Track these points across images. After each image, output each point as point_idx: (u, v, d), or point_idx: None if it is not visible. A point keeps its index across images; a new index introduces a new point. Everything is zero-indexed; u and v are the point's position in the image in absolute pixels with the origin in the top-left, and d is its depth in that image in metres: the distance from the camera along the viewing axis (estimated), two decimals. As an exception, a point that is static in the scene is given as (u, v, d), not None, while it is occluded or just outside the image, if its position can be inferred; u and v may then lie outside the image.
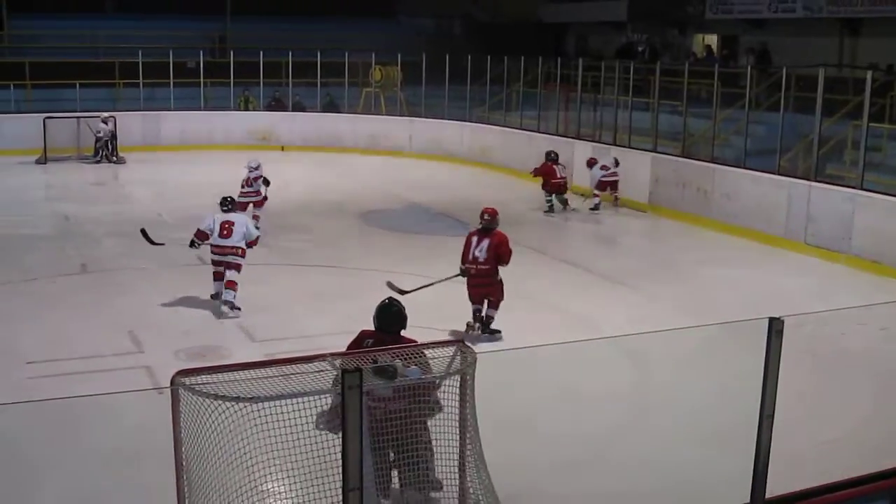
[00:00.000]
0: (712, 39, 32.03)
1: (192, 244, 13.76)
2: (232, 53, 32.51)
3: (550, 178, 20.96)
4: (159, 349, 11.31)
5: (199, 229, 13.66)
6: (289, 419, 5.86)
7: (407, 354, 6.33)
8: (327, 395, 6.02)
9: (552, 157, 21.36)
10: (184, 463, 6.08)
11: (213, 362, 10.04)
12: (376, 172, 26.29)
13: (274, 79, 32.32)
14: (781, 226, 17.85)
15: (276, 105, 32.82)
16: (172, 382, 5.92)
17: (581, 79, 25.21)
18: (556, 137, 25.20)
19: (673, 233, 19.64)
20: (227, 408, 5.77)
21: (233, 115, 31.70)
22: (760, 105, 21.78)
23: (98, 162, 27.78)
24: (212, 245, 13.47)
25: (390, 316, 7.46)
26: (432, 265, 15.35)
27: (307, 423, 5.92)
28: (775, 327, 5.12)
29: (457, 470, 6.50)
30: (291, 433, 5.90)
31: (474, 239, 12.36)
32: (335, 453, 5.96)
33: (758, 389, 5.27)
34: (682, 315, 12.87)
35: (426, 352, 6.45)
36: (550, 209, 21.00)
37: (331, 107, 32.48)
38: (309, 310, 13.10)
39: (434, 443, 6.62)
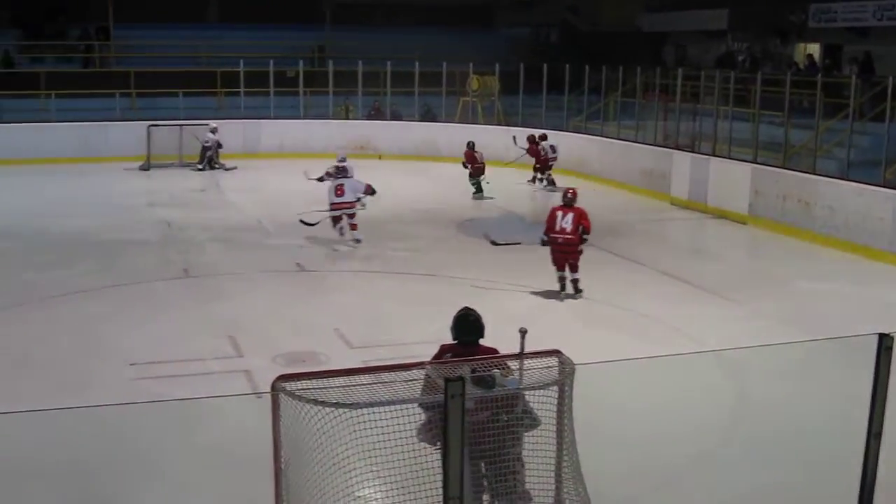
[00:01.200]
0: (814, 48, 31.40)
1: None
2: (331, 63, 32.83)
3: (472, 163, 23.69)
4: (258, 354, 11.43)
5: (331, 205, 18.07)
6: (386, 426, 5.87)
7: (493, 364, 6.30)
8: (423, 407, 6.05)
9: (470, 145, 24.66)
10: (282, 466, 6.15)
11: (310, 368, 10.14)
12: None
13: (372, 88, 32.56)
14: (887, 239, 17.42)
15: (375, 114, 33.06)
16: (273, 387, 5.98)
17: (680, 88, 24.95)
18: (654, 147, 24.99)
19: (773, 245, 19.28)
20: (326, 413, 5.81)
21: (331, 123, 31.97)
22: (864, 115, 21.30)
23: (202, 170, 28.24)
24: (331, 203, 17.98)
25: (469, 325, 7.37)
26: (528, 273, 15.38)
27: (404, 430, 5.94)
28: (885, 344, 4.99)
29: (553, 482, 6.44)
30: (389, 440, 5.91)
31: (559, 213, 14.35)
32: (432, 462, 5.99)
33: (865, 407, 5.15)
34: (784, 329, 12.62)
35: (525, 362, 6.41)
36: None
37: (428, 116, 32.62)
38: (406, 318, 13.13)
39: (530, 454, 6.57)
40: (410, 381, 6.13)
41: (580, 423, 6.44)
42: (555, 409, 6.34)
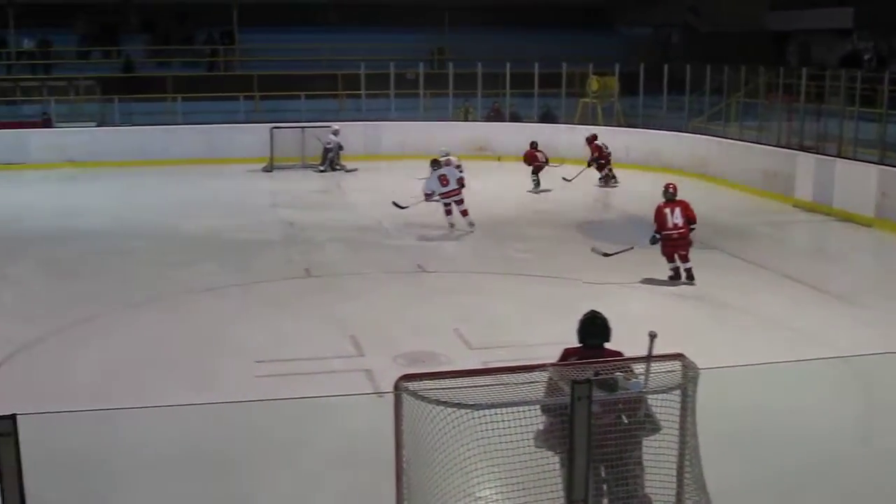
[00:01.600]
0: (945, 46, 30.53)
1: (426, 198, 19.54)
2: (451, 65, 32.99)
3: (534, 162, 24.58)
4: (379, 353, 11.55)
5: (425, 193, 19.56)
6: (508, 428, 5.88)
7: (619, 367, 6.27)
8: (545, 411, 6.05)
9: (533, 145, 25.75)
10: (404, 465, 6.21)
11: (431, 368, 10.22)
12: (593, 183, 26.14)
13: (491, 90, 32.61)
14: None
15: (495, 116, 33.10)
16: (396, 387, 6.04)
17: (804, 88, 24.43)
18: (777, 149, 24.50)
19: (903, 248, 18.79)
20: (448, 413, 5.85)
21: (451, 125, 32.11)
22: None
23: (324, 171, 28.64)
24: (440, 194, 19.25)
25: (595, 328, 7.32)
26: (649, 275, 15.25)
27: (526, 432, 5.94)
28: None
29: (674, 489, 6.38)
30: (510, 441, 5.92)
31: (667, 210, 15.10)
32: (553, 464, 5.99)
33: None
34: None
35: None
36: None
37: (547, 117, 32.54)
38: (526, 319, 13.12)
39: (651, 458, 6.51)
40: (532, 382, 6.14)
41: (703, 429, 6.36)
42: (678, 413, 6.28)
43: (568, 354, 7.16)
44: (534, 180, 25.31)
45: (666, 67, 29.09)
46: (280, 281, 15.64)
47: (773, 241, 19.47)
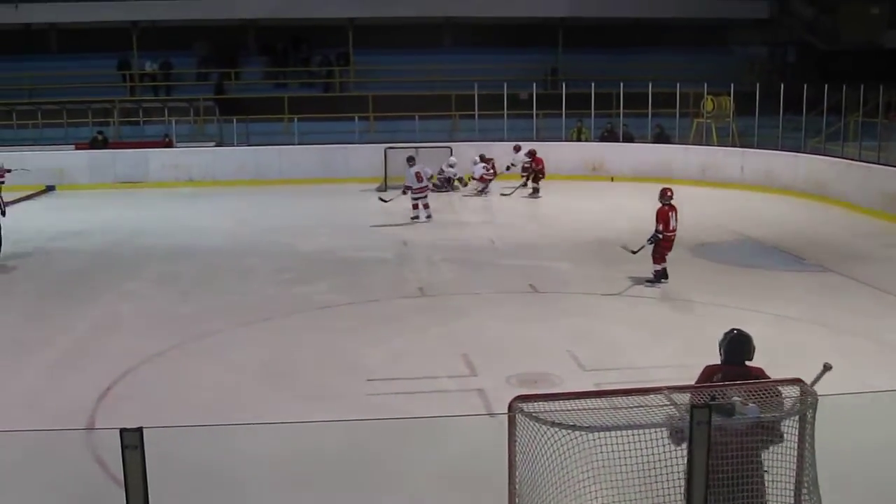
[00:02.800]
0: None
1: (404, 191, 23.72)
2: (564, 85, 32.95)
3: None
4: (491, 373, 11.57)
5: (407, 185, 23.62)
6: (622, 451, 5.86)
7: (751, 391, 6.18)
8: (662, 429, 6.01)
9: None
10: (516, 486, 6.22)
11: (543, 389, 10.23)
12: (707, 204, 25.85)
13: (604, 110, 32.48)
14: None
15: (608, 136, 32.93)
16: (510, 408, 6.06)
17: (926, 107, 23.80)
18: (897, 169, 23.92)
19: None
20: (563, 435, 5.85)
21: (564, 145, 32.07)
22: None
23: (441, 190, 28.85)
24: (414, 189, 23.33)
25: (737, 345, 7.25)
26: (765, 299, 15.02)
27: (640, 455, 5.91)
28: None
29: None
30: (624, 465, 5.90)
31: (671, 214, 16.02)
32: (668, 487, 5.95)
33: None
34: None
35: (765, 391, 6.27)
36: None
37: (661, 137, 32.25)
38: (639, 341, 13.01)
39: (770, 488, 6.39)
40: (647, 407, 6.09)
41: (822, 458, 6.25)
42: (795, 440, 6.18)
43: (711, 372, 7.09)
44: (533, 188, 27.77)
45: (782, 87, 28.63)
46: (394, 300, 15.78)
47: (894, 265, 18.95)
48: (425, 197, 23.88)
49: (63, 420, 9.96)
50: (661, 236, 16.00)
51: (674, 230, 16.13)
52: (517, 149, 29.26)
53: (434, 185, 27.40)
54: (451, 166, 29.10)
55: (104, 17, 36.61)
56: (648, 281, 16.20)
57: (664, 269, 16.32)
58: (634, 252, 16.17)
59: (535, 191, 28.03)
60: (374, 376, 11.60)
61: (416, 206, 23.77)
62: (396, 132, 32.41)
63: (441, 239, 21.22)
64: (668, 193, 16.28)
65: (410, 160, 24.37)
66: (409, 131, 32.16)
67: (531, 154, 28.45)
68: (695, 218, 23.54)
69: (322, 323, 14.40)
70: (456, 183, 29.28)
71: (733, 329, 7.32)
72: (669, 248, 16.31)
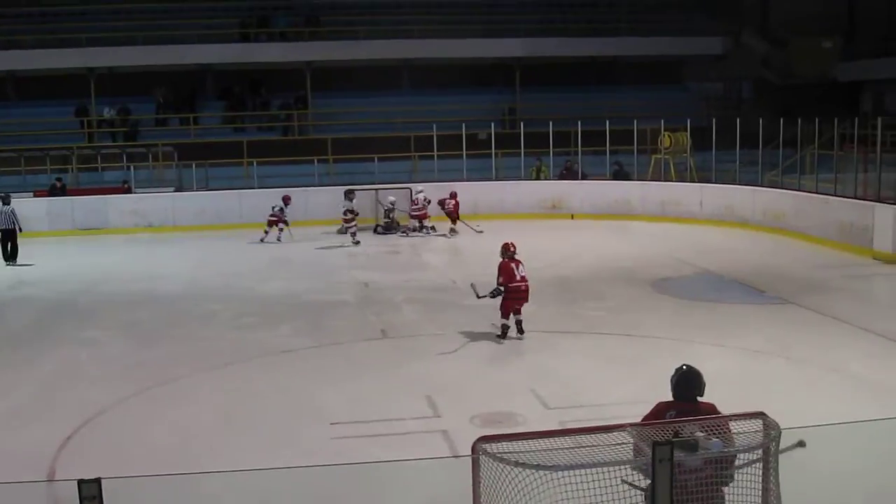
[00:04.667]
0: None
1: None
2: (522, 124, 33.14)
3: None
4: (455, 414, 11.54)
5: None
6: (586, 489, 5.87)
7: (708, 426, 6.20)
8: (625, 466, 6.01)
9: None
10: (482, 527, 6.19)
11: (507, 429, 10.21)
12: (667, 239, 26.03)
13: (563, 148, 32.66)
14: None
15: (567, 174, 33.08)
16: (474, 449, 6.04)
17: (880, 138, 24.09)
18: (854, 201, 24.14)
19: None
20: (528, 475, 5.84)
21: (523, 184, 32.25)
22: None
23: (385, 233, 28.92)
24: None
25: (688, 381, 7.27)
26: (727, 333, 15.10)
27: (604, 492, 5.92)
28: None
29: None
30: (589, 502, 5.90)
31: (513, 266, 15.37)
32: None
33: None
34: None
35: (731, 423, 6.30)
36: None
37: (620, 174, 32.48)
38: (602, 378, 13.06)
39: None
40: (612, 445, 6.09)
41: (786, 490, 6.26)
42: (759, 474, 6.20)
43: (662, 409, 7.09)
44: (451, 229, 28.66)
45: (738, 121, 28.93)
46: (356, 342, 15.73)
47: (853, 296, 19.08)
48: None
49: (23, 470, 9.81)
50: (503, 290, 15.30)
51: (522, 279, 15.34)
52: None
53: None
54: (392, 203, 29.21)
55: (61, 64, 36.48)
56: (498, 335, 15.49)
57: (506, 327, 15.44)
58: (479, 297, 15.64)
59: (452, 231, 28.87)
60: (337, 420, 11.54)
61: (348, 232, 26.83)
62: (356, 174, 32.44)
63: (403, 280, 21.21)
64: (511, 248, 15.58)
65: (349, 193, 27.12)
66: (369, 173, 32.22)
67: (453, 196, 29.21)
68: (655, 253, 23.75)
69: (284, 367, 14.32)
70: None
71: (683, 365, 7.35)
72: (519, 301, 15.41)
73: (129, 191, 32.37)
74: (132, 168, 33.50)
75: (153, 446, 10.86)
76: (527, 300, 15.45)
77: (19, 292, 21.21)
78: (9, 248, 24.90)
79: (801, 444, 6.36)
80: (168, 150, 35.18)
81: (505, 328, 15.42)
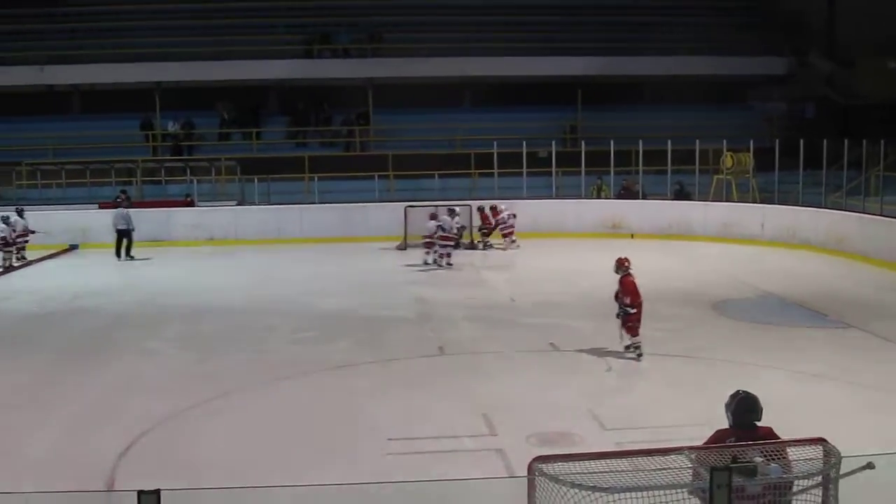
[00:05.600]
0: None
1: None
2: (583, 143, 33.06)
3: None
4: (511, 433, 11.49)
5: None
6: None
7: (768, 451, 6.13)
8: (683, 490, 5.95)
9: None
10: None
11: (564, 449, 10.13)
12: (728, 260, 25.81)
13: (624, 167, 32.53)
14: None
15: (625, 193, 32.93)
16: (530, 469, 6.02)
17: (949, 160, 23.69)
18: (921, 224, 23.77)
19: None
20: (584, 496, 5.81)
21: (583, 203, 32.14)
22: None
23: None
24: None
25: (746, 407, 7.17)
26: (788, 357, 14.92)
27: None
28: None
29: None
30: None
31: (635, 281, 15.11)
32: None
33: None
34: None
35: (788, 450, 6.22)
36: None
37: (681, 194, 32.25)
38: (661, 399, 12.95)
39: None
40: (668, 469, 6.03)
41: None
42: (819, 501, 6.11)
43: (722, 437, 7.00)
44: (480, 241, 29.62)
45: (801, 142, 28.65)
46: (414, 358, 15.74)
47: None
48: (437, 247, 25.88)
49: (83, 479, 9.94)
50: (632, 310, 15.09)
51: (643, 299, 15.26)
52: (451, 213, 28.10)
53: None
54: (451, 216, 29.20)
55: (127, 79, 37.07)
56: (639, 354, 15.17)
57: (638, 343, 15.24)
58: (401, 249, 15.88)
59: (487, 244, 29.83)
60: (393, 436, 11.55)
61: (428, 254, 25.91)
62: (416, 190, 32.56)
63: (462, 297, 21.18)
64: (627, 263, 15.37)
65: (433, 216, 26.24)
66: (429, 189, 32.32)
67: (493, 209, 29.90)
68: (716, 275, 23.54)
69: (342, 382, 14.37)
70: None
71: (739, 391, 7.26)
72: (639, 319, 15.24)
73: (191, 204, 32.76)
74: (195, 181, 33.94)
75: (210, 458, 10.94)
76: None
77: (83, 302, 21.49)
78: (124, 246, 28.27)
79: (870, 465, 6.26)
80: (231, 164, 35.55)
81: (638, 347, 15.15)
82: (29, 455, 11.17)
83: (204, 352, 16.48)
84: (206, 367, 15.34)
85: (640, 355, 15.07)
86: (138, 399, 13.43)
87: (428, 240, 26.07)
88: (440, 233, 25.96)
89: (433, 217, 26.37)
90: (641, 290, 15.21)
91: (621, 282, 15.24)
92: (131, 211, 29.23)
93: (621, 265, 15.36)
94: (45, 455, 11.18)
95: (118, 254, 28.44)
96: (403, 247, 29.04)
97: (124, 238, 28.62)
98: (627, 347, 15.21)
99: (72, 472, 10.42)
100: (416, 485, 8.90)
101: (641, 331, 15.22)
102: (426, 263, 25.75)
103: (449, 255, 25.88)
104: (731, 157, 31.16)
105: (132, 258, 28.36)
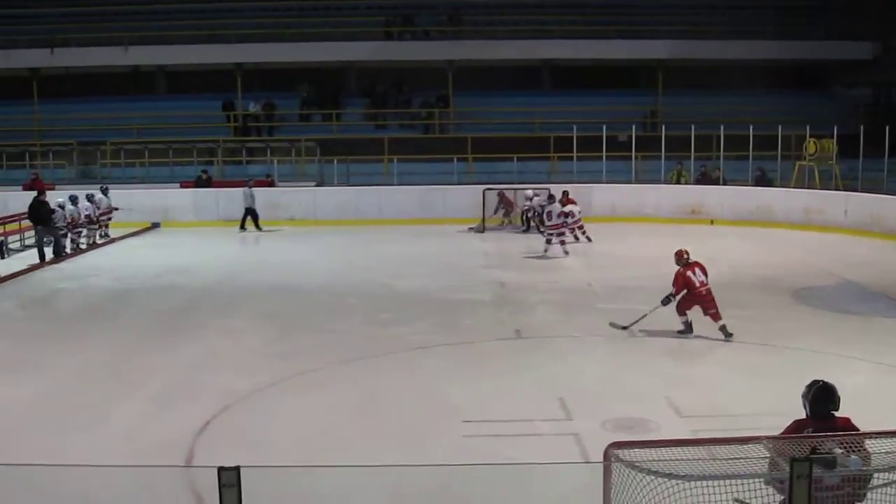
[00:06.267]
0: None
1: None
2: (663, 127, 32.78)
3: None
4: (587, 418, 11.46)
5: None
6: (718, 500, 5.80)
7: (847, 442, 6.06)
8: (759, 479, 5.92)
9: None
10: (611, 534, 6.16)
11: (639, 435, 10.12)
12: (809, 248, 25.45)
13: (704, 152, 32.20)
14: None
15: (703, 178, 32.59)
16: (606, 455, 6.02)
17: None
18: None
19: None
20: (659, 483, 5.80)
21: (662, 188, 31.93)
22: None
23: (525, 231, 28.88)
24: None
25: (824, 397, 7.11)
26: (870, 347, 14.69)
27: (738, 505, 5.85)
28: None
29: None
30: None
31: (689, 273, 15.48)
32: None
33: None
34: None
35: (867, 442, 6.15)
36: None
37: (762, 180, 31.84)
38: (738, 388, 12.81)
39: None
40: (744, 458, 6.00)
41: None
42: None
43: (800, 427, 6.96)
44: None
45: (887, 129, 28.10)
46: (490, 341, 15.78)
47: None
48: (560, 234, 24.81)
49: (162, 454, 10.14)
50: (673, 298, 15.57)
51: (703, 285, 15.51)
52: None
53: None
54: (529, 199, 29.05)
55: (209, 60, 37.54)
56: (679, 332, 15.67)
57: (687, 323, 15.66)
58: (625, 328, 15.97)
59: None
60: (468, 418, 11.59)
61: (548, 242, 24.61)
62: (494, 173, 32.59)
63: (539, 281, 21.17)
64: (685, 255, 15.83)
65: (550, 198, 25.62)
66: (507, 172, 32.33)
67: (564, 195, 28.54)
68: (797, 262, 23.23)
69: (418, 363, 14.44)
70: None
71: (816, 381, 7.20)
72: (705, 304, 15.56)
73: (271, 184, 33.10)
74: (275, 162, 34.29)
75: (286, 436, 11.08)
76: (712, 305, 15.53)
77: (164, 280, 21.87)
78: (247, 221, 30.32)
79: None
80: (311, 145, 35.87)
81: (687, 325, 15.63)
82: (112, 429, 11.41)
83: (282, 330, 16.68)
84: (283, 346, 15.53)
85: (681, 332, 15.62)
86: (217, 376, 13.65)
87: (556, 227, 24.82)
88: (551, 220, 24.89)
89: (550, 199, 25.67)
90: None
91: (675, 274, 15.68)
92: (255, 190, 30.74)
93: (679, 258, 15.81)
94: (127, 429, 11.41)
95: (242, 227, 30.24)
96: (481, 229, 29.10)
97: (249, 214, 30.14)
98: (680, 332, 15.59)
99: (152, 446, 10.62)
100: (490, 468, 8.94)
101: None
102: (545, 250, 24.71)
103: (563, 241, 24.90)
104: (815, 143, 30.67)
105: (260, 229, 30.11)
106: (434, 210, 30.86)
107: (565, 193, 28.04)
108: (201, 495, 8.67)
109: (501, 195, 30.25)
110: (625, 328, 15.93)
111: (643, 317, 15.80)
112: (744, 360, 14.39)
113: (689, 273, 15.48)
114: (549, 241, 24.58)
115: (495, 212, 30.14)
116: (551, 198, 25.78)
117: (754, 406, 11.45)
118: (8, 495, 8.56)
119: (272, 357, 14.75)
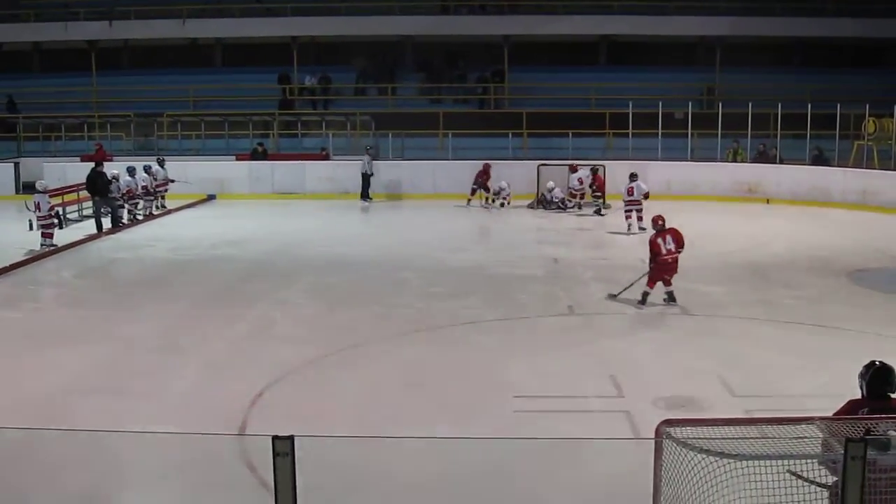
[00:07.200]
0: None
1: None
2: (720, 105, 32.47)
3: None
4: (639, 395, 11.45)
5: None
6: (770, 480, 5.80)
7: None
8: (812, 460, 5.90)
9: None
10: (661, 512, 6.17)
11: (691, 413, 10.10)
12: (867, 229, 25.13)
13: (761, 130, 31.85)
14: None
15: (760, 157, 32.22)
16: (657, 432, 6.02)
17: None
18: None
19: None
20: (710, 462, 5.79)
21: (718, 166, 31.63)
22: None
23: (574, 207, 28.82)
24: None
25: (881, 378, 7.06)
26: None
27: (789, 485, 5.83)
28: None
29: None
30: (773, 496, 5.82)
31: (659, 239, 15.95)
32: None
33: None
34: None
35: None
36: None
37: (820, 160, 31.43)
38: (792, 368, 12.72)
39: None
40: (796, 438, 5.97)
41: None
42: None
43: (854, 407, 6.92)
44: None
45: (949, 109, 27.64)
46: (543, 317, 15.80)
47: None
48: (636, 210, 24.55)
49: (216, 423, 10.27)
50: (651, 266, 16.16)
51: (669, 253, 15.93)
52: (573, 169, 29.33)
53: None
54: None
55: (266, 33, 37.74)
56: (638, 301, 16.12)
57: (646, 294, 16.13)
58: (613, 296, 16.58)
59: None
60: (520, 393, 11.62)
61: (628, 218, 24.68)
62: (549, 149, 32.49)
63: (592, 258, 21.14)
64: (659, 222, 16.32)
65: (633, 176, 25.28)
66: (563, 148, 32.21)
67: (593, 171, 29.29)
68: (853, 243, 22.97)
69: (470, 338, 14.49)
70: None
71: (874, 361, 7.14)
72: (666, 272, 16.09)
73: (326, 157, 33.25)
74: (330, 135, 34.42)
75: (338, 408, 11.19)
76: (675, 271, 16.10)
77: (220, 251, 22.07)
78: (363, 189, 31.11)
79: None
80: (366, 119, 35.94)
81: (645, 295, 16.07)
82: (168, 398, 11.59)
83: (335, 303, 16.80)
84: (336, 319, 15.64)
85: (639, 302, 16.08)
86: (270, 347, 13.79)
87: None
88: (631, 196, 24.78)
89: (633, 178, 25.22)
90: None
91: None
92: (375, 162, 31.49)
93: (654, 223, 16.43)
94: (182, 399, 11.58)
95: (365, 196, 31.21)
96: (535, 205, 29.04)
97: (365, 183, 30.92)
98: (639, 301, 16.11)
99: (207, 415, 10.77)
100: (542, 442, 8.97)
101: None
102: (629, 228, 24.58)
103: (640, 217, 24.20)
104: (874, 122, 30.21)
105: (370, 199, 31.01)
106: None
107: (594, 170, 29.01)
108: (254, 464, 8.78)
109: (483, 172, 30.14)
110: (614, 296, 16.47)
111: (631, 285, 16.33)
112: (798, 341, 14.29)
113: (658, 240, 16.00)
114: (628, 217, 24.70)
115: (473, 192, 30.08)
116: (633, 175, 25.31)
117: (808, 387, 11.38)
118: (66, 460, 8.73)
119: (326, 329, 14.87)
